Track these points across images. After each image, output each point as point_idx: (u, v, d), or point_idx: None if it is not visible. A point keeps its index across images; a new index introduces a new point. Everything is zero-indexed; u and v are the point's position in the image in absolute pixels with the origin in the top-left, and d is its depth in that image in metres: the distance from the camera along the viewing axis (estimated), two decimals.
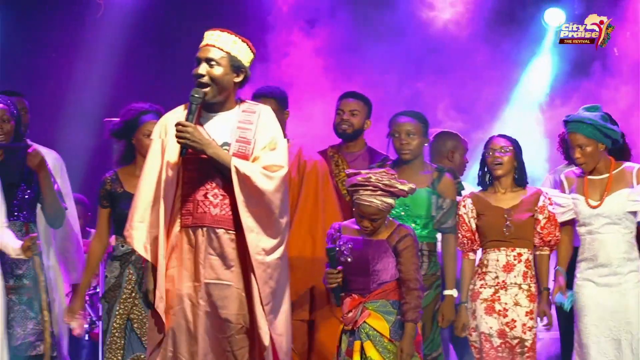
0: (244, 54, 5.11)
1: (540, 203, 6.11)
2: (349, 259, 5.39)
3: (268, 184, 5.02)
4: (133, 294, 6.06)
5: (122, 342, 6.01)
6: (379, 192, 5.38)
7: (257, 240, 5.03)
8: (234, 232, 5.08)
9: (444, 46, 8.89)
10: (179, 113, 5.16)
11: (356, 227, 5.50)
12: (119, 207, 6.12)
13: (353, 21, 8.80)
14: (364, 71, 8.62)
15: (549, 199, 6.13)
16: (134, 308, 6.05)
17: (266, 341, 5.04)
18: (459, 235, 6.14)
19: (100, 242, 6.26)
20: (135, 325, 6.02)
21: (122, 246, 6.15)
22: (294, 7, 8.91)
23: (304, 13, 8.91)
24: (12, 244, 5.90)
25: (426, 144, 6.28)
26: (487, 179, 6.19)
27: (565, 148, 6.59)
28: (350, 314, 5.38)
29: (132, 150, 6.28)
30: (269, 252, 5.06)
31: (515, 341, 6.01)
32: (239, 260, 5.09)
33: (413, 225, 6.00)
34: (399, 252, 5.42)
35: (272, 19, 8.84)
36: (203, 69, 5.05)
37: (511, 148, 6.13)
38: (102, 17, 8.64)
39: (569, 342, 6.37)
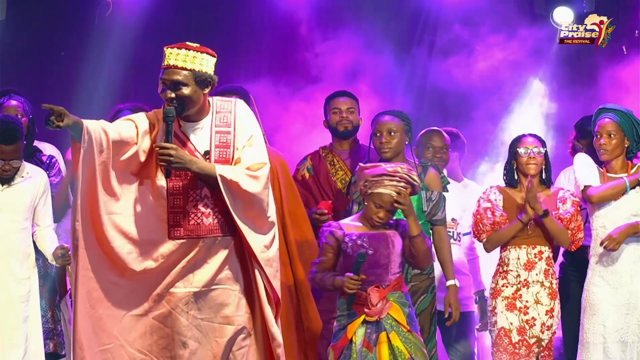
0: (207, 64, 5.09)
1: (560, 195, 6.15)
2: (370, 251, 5.41)
3: (255, 185, 5.06)
4: None
5: None
6: (403, 184, 5.45)
7: (257, 239, 5.07)
8: (230, 237, 5.12)
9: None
10: (152, 116, 5.17)
11: (357, 223, 5.55)
12: None
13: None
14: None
15: (571, 193, 6.18)
16: None
17: (279, 338, 5.12)
18: (487, 221, 6.13)
19: None
20: None
21: None
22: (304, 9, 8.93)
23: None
24: (50, 249, 6.04)
25: (407, 142, 6.27)
26: (517, 177, 6.20)
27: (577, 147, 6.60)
28: (379, 305, 5.40)
29: None
30: (268, 246, 5.12)
31: (533, 340, 6.02)
32: (236, 261, 5.14)
33: None
34: (406, 232, 5.51)
35: (280, 20, 8.87)
36: (170, 93, 5.03)
37: (544, 149, 6.17)
38: (110, 16, 8.67)
39: (572, 340, 6.36)
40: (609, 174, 6.18)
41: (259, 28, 8.49)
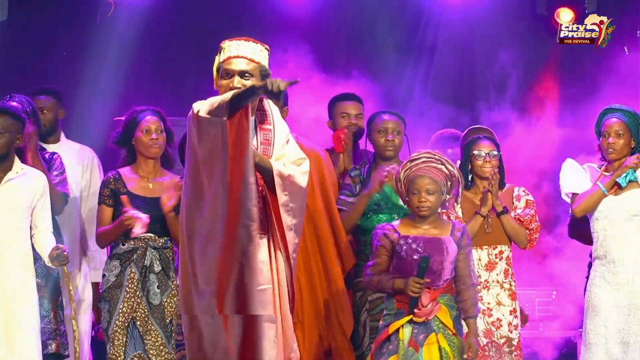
0: (267, 59, 5.14)
1: (515, 193, 6.19)
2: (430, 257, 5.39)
3: (304, 180, 5.10)
4: (137, 293, 6.10)
5: (125, 339, 6.04)
6: (434, 164, 5.49)
7: (294, 238, 5.10)
8: (266, 235, 5.11)
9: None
10: None
11: (409, 224, 5.53)
12: (120, 207, 6.16)
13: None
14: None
15: (523, 190, 6.22)
16: (138, 307, 6.09)
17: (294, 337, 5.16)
18: None
19: None
20: (138, 324, 6.06)
21: (123, 244, 6.18)
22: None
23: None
24: (47, 252, 6.02)
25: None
26: (470, 179, 6.23)
27: None
28: (429, 306, 5.39)
29: (134, 153, 6.32)
30: (297, 246, 5.16)
31: (503, 340, 6.02)
32: (269, 261, 5.13)
33: (395, 216, 6.11)
34: (460, 248, 5.48)
35: (285, 18, 8.87)
36: (238, 82, 5.04)
37: (499, 153, 6.19)
38: (113, 16, 8.67)
39: None
40: (608, 173, 6.18)
41: (262, 29, 8.48)
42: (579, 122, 7.88)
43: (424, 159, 5.53)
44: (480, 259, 6.11)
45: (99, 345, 7.07)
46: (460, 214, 6.14)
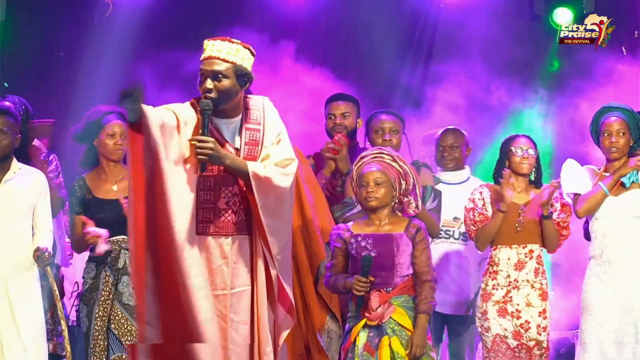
0: (247, 60, 5.05)
1: (555, 194, 6.11)
2: (373, 254, 5.38)
3: (285, 181, 5.03)
4: (111, 296, 6.03)
5: (105, 343, 5.99)
6: (383, 159, 5.50)
7: (277, 239, 5.03)
8: (247, 235, 5.09)
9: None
10: (188, 112, 5.10)
11: (366, 223, 5.52)
12: (89, 213, 6.11)
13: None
14: None
15: (561, 192, 6.16)
16: (112, 310, 6.03)
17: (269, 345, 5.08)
18: (470, 221, 6.15)
19: None
20: (113, 327, 5.99)
21: None
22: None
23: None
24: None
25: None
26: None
27: None
28: (380, 310, 5.38)
29: (95, 154, 6.26)
30: (283, 248, 5.09)
31: (532, 343, 6.01)
32: (250, 261, 5.10)
33: None
34: (415, 244, 5.45)
35: (284, 16, 8.87)
36: (210, 83, 4.98)
37: (536, 151, 6.18)
38: (110, 16, 8.67)
39: None
40: (606, 174, 6.18)
41: (259, 29, 8.48)
42: (579, 122, 7.88)
43: (373, 155, 5.56)
44: (509, 258, 6.09)
45: None
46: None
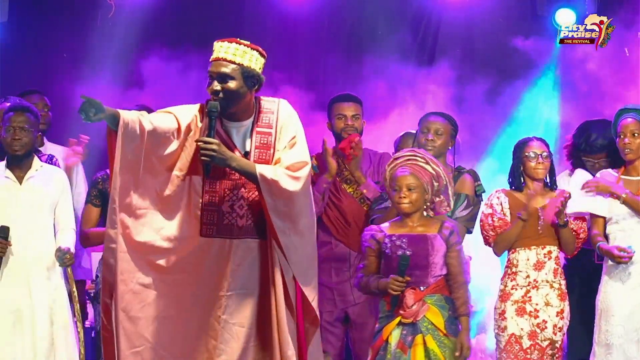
0: (256, 61, 5.02)
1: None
2: (408, 252, 5.39)
3: (295, 185, 4.98)
4: None
5: None
6: (417, 162, 5.51)
7: (292, 242, 5.00)
8: (258, 239, 5.08)
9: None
10: (192, 114, 5.10)
11: (398, 224, 5.55)
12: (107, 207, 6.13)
13: None
14: None
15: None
16: None
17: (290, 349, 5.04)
18: (489, 227, 6.12)
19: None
20: None
21: None
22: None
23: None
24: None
25: (451, 146, 6.30)
26: (522, 181, 6.19)
27: (574, 154, 6.58)
28: (415, 307, 5.39)
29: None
30: (302, 252, 5.06)
31: (546, 343, 6.00)
32: (260, 265, 5.09)
33: None
34: (450, 246, 5.49)
35: (286, 20, 8.87)
36: (217, 85, 4.96)
37: (550, 154, 6.18)
38: (113, 17, 8.68)
39: (577, 338, 6.35)
40: (625, 177, 6.17)
41: (263, 31, 8.49)
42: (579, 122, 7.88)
43: (407, 157, 5.56)
44: (528, 259, 6.09)
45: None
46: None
